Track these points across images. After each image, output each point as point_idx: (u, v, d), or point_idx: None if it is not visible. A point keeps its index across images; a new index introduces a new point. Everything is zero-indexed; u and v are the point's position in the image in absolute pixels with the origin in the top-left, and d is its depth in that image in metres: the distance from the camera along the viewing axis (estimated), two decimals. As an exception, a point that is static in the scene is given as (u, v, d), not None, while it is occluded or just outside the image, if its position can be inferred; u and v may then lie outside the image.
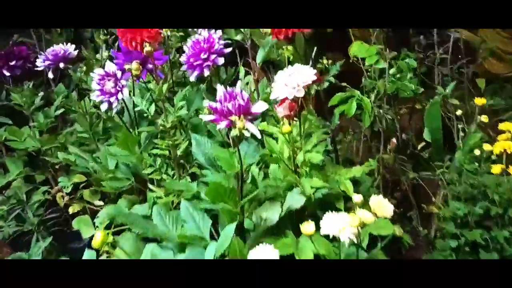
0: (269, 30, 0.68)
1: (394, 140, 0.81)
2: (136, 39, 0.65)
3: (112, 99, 0.75)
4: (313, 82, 0.58)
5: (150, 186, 0.78)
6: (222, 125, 0.53)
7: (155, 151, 0.76)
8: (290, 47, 0.68)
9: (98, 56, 1.28)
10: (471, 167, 0.67)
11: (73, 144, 1.11)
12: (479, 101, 0.68)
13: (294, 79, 0.58)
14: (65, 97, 1.18)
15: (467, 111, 1.39)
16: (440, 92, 1.15)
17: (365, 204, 0.56)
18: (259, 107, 0.54)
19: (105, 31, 1.15)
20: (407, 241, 0.75)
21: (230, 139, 0.55)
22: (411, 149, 1.05)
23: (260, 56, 0.98)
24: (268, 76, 1.51)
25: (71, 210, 1.02)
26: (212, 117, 0.54)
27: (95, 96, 0.76)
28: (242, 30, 0.97)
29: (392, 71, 1.54)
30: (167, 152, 0.76)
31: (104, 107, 0.76)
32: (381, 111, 1.18)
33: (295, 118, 0.63)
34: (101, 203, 1.01)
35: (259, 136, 0.53)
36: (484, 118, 0.68)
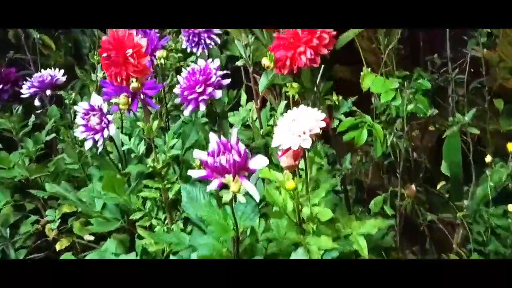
0: (271, 64, 0.60)
1: (413, 187, 0.73)
2: (121, 74, 0.58)
3: (97, 136, 0.67)
4: (322, 129, 0.50)
5: (139, 230, 0.70)
6: (213, 185, 0.45)
7: (144, 193, 0.69)
8: (295, 85, 0.60)
9: (93, 76, 1.22)
10: (502, 222, 0.59)
11: (64, 172, 1.04)
12: (513, 147, 0.59)
13: (300, 126, 0.50)
14: (60, 118, 1.12)
15: (484, 130, 1.29)
16: (458, 120, 1.06)
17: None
18: (258, 162, 0.46)
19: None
20: None
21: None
22: (429, 187, 0.97)
23: (262, 83, 0.90)
24: (274, 95, 1.43)
25: (58, 246, 0.95)
26: (202, 173, 0.46)
27: (79, 133, 0.69)
28: (244, 55, 0.89)
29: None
30: (157, 195, 0.68)
31: (88, 145, 0.68)
32: (394, 139, 1.09)
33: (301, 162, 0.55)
34: (92, 237, 0.94)
35: (257, 199, 0.45)
36: (520, 169, 0.59)
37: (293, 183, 0.50)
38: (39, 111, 1.20)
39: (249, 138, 0.95)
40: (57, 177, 1.06)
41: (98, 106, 0.68)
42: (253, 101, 0.94)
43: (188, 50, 1.02)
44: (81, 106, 0.69)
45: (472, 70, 1.40)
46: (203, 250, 0.53)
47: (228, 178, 0.44)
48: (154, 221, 0.69)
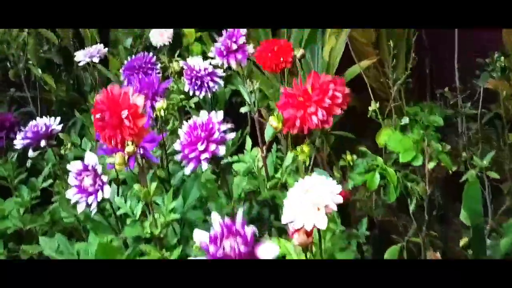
0: (279, 125, 0.55)
1: (438, 254, 0.66)
2: (116, 137, 0.53)
3: (91, 198, 0.62)
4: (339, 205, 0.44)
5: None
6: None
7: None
8: (306, 149, 0.54)
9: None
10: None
11: (59, 223, 0.99)
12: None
13: (313, 199, 0.44)
14: (60, 159, 1.07)
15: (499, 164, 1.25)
16: (477, 164, 1.00)
17: None
18: (267, 251, 0.40)
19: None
20: None
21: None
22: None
23: (269, 132, 0.85)
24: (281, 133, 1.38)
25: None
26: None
27: (71, 195, 0.63)
28: (249, 102, 0.85)
29: (415, 131, 1.38)
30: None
31: (81, 208, 0.63)
32: (409, 185, 1.03)
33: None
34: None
35: (267, 294, 0.39)
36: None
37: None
38: (36, 153, 1.15)
39: (255, 186, 0.89)
40: (53, 226, 1.01)
41: (92, 166, 0.63)
42: (259, 148, 0.89)
43: (191, 93, 0.98)
44: (74, 166, 0.64)
45: (484, 103, 1.35)
46: None
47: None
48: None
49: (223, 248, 0.39)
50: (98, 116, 0.54)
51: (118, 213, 0.64)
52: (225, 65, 0.78)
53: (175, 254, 0.62)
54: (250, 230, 0.41)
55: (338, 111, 0.52)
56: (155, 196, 0.66)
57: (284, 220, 0.46)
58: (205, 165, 0.64)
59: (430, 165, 0.69)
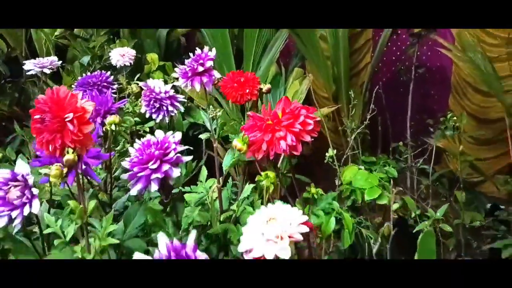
0: (244, 147, 0.51)
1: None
2: (55, 142, 0.46)
3: (15, 213, 0.53)
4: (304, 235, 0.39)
5: None
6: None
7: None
8: (271, 174, 0.50)
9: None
10: None
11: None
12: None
13: (276, 229, 0.39)
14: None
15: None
16: (431, 216, 1.01)
17: None
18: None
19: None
20: None
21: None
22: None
23: (227, 161, 0.80)
24: (235, 169, 1.33)
25: None
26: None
27: (-9, 207, 0.54)
28: (210, 128, 0.80)
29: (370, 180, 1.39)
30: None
31: (1, 222, 0.53)
32: (363, 231, 1.01)
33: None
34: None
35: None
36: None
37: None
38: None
39: (206, 220, 0.83)
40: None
41: (22, 176, 0.54)
42: (215, 179, 0.83)
43: (147, 116, 0.92)
44: (1, 174, 0.55)
45: (436, 159, 1.41)
46: None
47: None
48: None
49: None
50: (37, 117, 0.47)
51: (45, 232, 0.55)
52: (189, 87, 0.73)
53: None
54: (203, 256, 0.35)
55: (308, 138, 0.49)
56: (92, 219, 0.58)
57: (241, 248, 0.40)
58: (154, 187, 0.57)
59: (394, 207, 0.66)
